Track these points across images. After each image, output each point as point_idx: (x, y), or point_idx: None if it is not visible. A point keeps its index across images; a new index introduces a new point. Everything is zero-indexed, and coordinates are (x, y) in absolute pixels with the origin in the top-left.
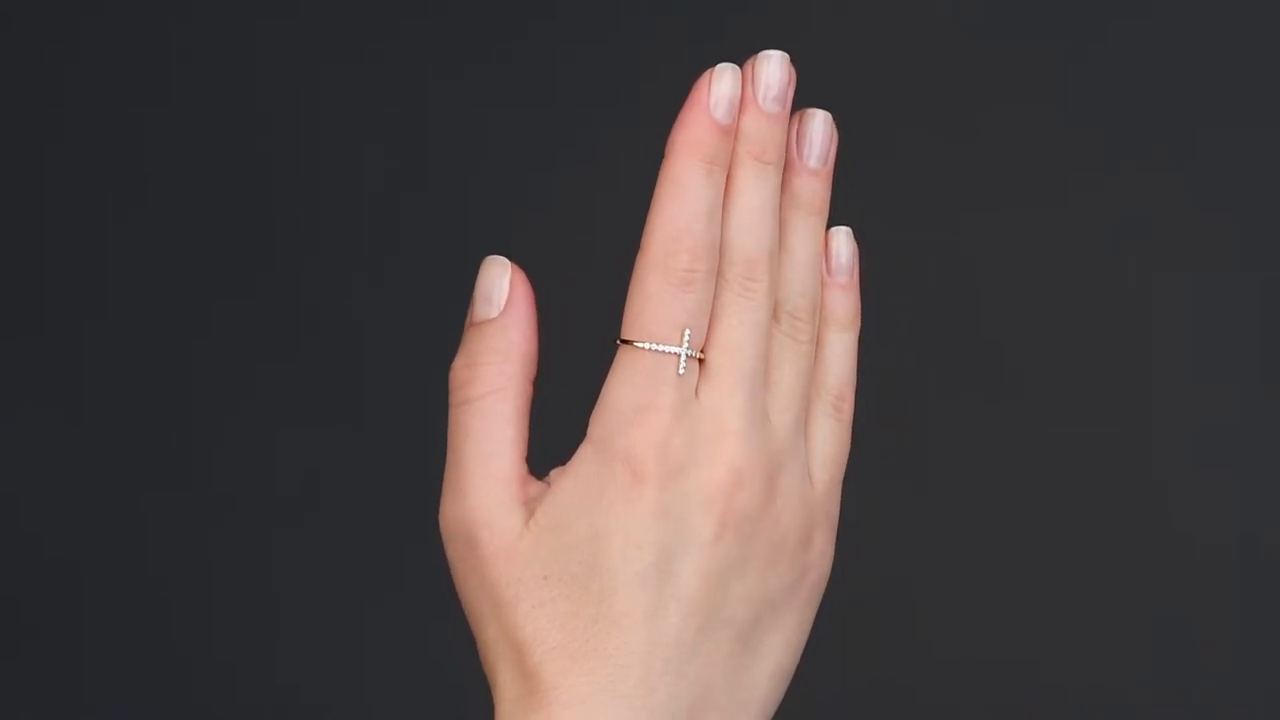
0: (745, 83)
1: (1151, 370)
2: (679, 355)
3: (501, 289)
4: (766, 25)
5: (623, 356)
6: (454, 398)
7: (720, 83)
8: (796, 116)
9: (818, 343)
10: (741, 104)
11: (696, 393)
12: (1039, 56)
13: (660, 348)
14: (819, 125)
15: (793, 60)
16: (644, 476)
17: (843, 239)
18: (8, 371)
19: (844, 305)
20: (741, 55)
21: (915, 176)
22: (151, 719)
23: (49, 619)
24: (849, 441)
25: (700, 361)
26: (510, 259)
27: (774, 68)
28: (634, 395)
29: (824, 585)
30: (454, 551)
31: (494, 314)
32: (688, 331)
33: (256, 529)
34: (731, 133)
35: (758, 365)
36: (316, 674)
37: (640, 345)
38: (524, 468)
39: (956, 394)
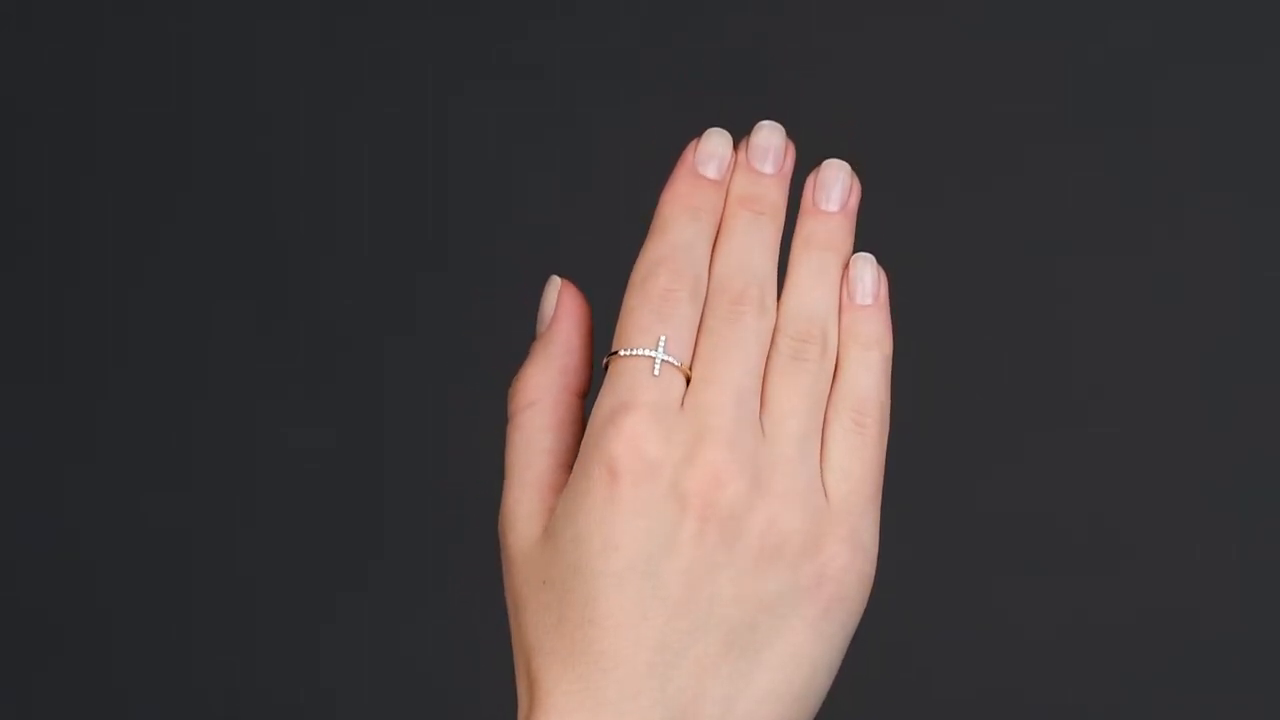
0: (740, 150)
1: (1153, 370)
2: (654, 357)
3: (551, 306)
4: (767, 25)
5: (609, 370)
6: (507, 413)
7: (707, 141)
8: (814, 169)
9: (838, 364)
10: (735, 167)
11: (682, 404)
12: (1039, 56)
13: (637, 352)
14: (835, 171)
15: (789, 60)
16: (619, 475)
17: (863, 264)
18: (8, 372)
19: (867, 325)
20: (741, 53)
21: (914, 177)
22: (153, 718)
23: (50, 620)
24: (878, 459)
25: (688, 380)
26: (561, 275)
27: (767, 134)
28: (614, 399)
29: (850, 603)
30: (502, 556)
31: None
32: (663, 337)
33: (257, 529)
34: (721, 188)
35: (745, 380)
36: (320, 672)
37: (621, 353)
38: (562, 476)
39: (956, 395)
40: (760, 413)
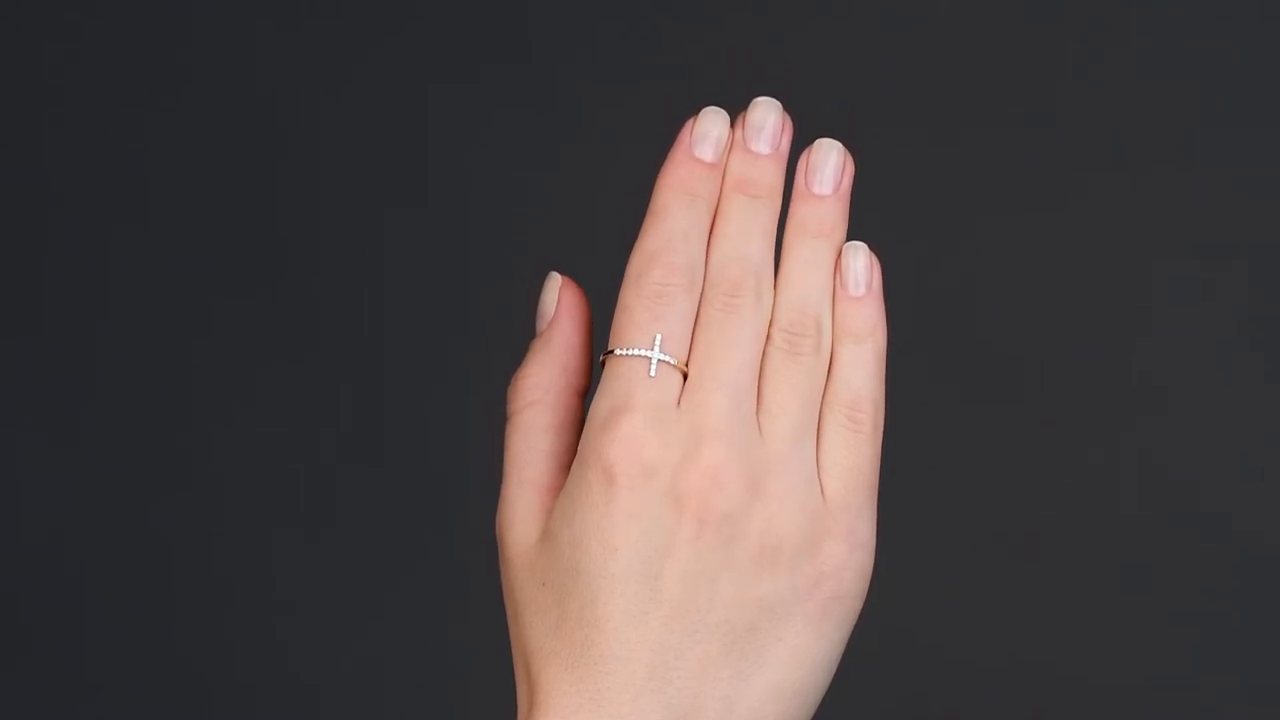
0: (736, 128)
1: (1154, 370)
2: (650, 357)
3: (551, 304)
4: (767, 25)
5: (605, 369)
6: (507, 412)
7: (703, 121)
8: (807, 149)
9: (831, 358)
10: (731, 148)
11: (679, 403)
12: (1035, 61)
13: (633, 352)
14: (826, 152)
15: (786, 59)
16: (615, 478)
17: (855, 253)
18: (8, 373)
19: (858, 317)
20: (739, 54)
21: (912, 179)
22: (148, 717)
23: (51, 621)
24: (873, 455)
25: (685, 377)
26: (560, 271)
27: (763, 111)
28: (610, 401)
29: (849, 600)
30: (500, 557)
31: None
32: (659, 336)
33: (256, 530)
34: (717, 170)
35: (741, 376)
36: (318, 671)
37: (617, 353)
38: (561, 477)
39: (955, 396)
40: (757, 408)
